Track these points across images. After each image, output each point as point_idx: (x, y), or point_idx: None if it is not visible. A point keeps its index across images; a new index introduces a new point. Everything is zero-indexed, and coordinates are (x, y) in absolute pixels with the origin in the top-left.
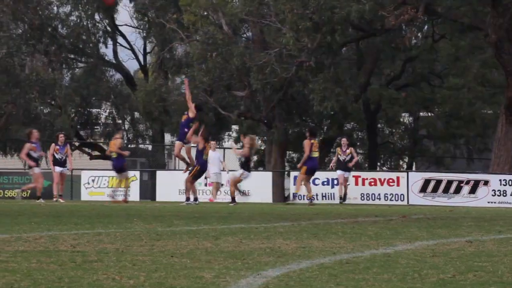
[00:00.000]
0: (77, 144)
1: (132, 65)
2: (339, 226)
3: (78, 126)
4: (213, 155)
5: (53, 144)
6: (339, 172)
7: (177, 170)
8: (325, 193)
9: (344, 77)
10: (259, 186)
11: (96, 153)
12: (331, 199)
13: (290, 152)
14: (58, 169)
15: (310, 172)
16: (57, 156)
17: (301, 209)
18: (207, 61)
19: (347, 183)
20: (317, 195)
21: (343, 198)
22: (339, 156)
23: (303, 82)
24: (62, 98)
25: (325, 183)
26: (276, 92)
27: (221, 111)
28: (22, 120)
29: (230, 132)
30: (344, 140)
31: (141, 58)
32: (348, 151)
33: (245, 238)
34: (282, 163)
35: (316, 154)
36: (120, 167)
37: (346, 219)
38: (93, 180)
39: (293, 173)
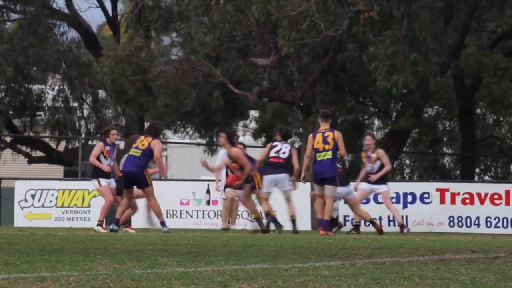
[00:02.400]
0: (8, 139)
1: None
2: (414, 267)
3: (11, 112)
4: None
5: (99, 143)
6: (367, 185)
7: (162, 179)
8: (392, 216)
9: (424, 36)
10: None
11: (39, 153)
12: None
13: None
14: (105, 181)
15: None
16: (105, 162)
17: (357, 240)
18: (212, 11)
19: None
20: (380, 218)
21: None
22: (364, 163)
23: (360, 43)
24: None
25: (394, 200)
26: (318, 59)
27: (232, 89)
28: None
29: (247, 121)
30: (369, 139)
31: (108, 6)
32: (373, 155)
33: (269, 286)
34: None
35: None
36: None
37: (426, 257)
38: (32, 196)
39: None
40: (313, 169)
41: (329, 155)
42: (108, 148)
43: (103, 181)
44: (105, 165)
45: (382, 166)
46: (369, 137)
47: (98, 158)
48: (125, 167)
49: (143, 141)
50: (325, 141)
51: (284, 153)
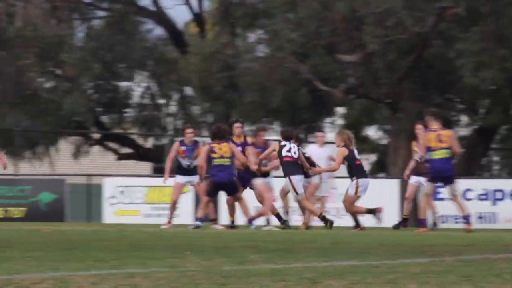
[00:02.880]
0: (97, 136)
1: (181, 14)
2: (504, 263)
3: (99, 109)
4: (319, 152)
5: (175, 143)
6: (414, 178)
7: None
8: (481, 213)
9: None
10: (378, 202)
11: (127, 150)
12: (492, 222)
13: None
14: (182, 178)
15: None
16: (183, 162)
17: (446, 237)
18: (297, 8)
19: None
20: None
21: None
22: (414, 153)
23: (447, 40)
24: (73, 65)
25: (482, 197)
26: (404, 55)
27: (319, 86)
28: (12, 98)
29: (334, 118)
30: (420, 127)
31: (194, 3)
32: None
33: (358, 282)
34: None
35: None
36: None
37: None
38: (122, 192)
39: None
40: (430, 167)
41: (446, 153)
42: (183, 148)
43: (179, 178)
44: (184, 165)
45: None
46: (420, 125)
47: (177, 158)
48: (219, 177)
49: (223, 149)
50: (440, 140)
51: (295, 153)
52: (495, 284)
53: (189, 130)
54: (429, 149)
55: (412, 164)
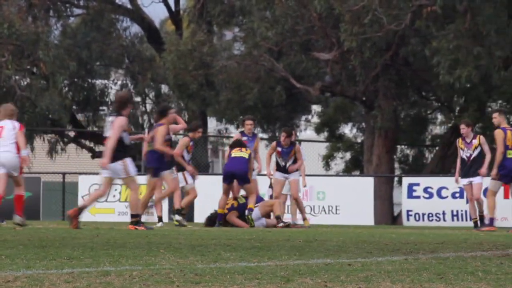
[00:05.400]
0: (72, 134)
1: (157, 12)
2: (478, 261)
3: (74, 107)
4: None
5: (238, 133)
6: (463, 180)
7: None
8: (456, 211)
9: (488, 30)
10: (353, 200)
11: (102, 148)
12: (464, 220)
13: (403, 146)
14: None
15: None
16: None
17: (420, 235)
18: (274, 6)
19: (479, 196)
20: (444, 213)
21: (478, 222)
22: (461, 151)
23: (423, 37)
24: (49, 63)
25: (456, 195)
26: (380, 53)
27: (295, 83)
28: None
29: (309, 116)
30: (463, 127)
31: (171, 0)
32: (475, 141)
33: (331, 280)
34: (390, 163)
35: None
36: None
37: (490, 252)
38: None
39: (406, 179)
40: (503, 166)
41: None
42: (245, 138)
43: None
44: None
45: (480, 153)
46: (463, 125)
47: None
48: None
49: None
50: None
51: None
52: (468, 282)
53: (249, 121)
54: (508, 148)
55: (458, 164)
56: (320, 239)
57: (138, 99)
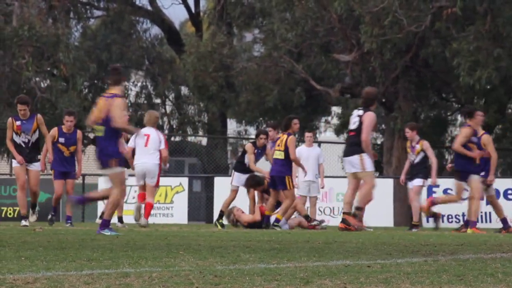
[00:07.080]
0: (92, 136)
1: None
2: (498, 263)
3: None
4: (308, 153)
5: (249, 144)
6: (408, 183)
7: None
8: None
9: (508, 31)
10: (372, 202)
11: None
12: (484, 222)
13: None
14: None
15: None
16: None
17: (440, 236)
18: (294, 8)
19: (412, 200)
20: (463, 214)
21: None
22: (408, 154)
23: (443, 39)
24: (69, 64)
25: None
26: (400, 55)
27: (314, 85)
28: (8, 97)
29: (329, 118)
30: (407, 130)
31: (191, 2)
32: (418, 147)
33: (351, 282)
34: None
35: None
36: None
37: (510, 253)
38: None
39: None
40: None
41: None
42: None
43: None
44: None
45: (423, 159)
46: (407, 128)
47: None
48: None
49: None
50: None
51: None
52: (488, 284)
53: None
54: None
55: (406, 166)
56: (340, 241)
57: (158, 100)
